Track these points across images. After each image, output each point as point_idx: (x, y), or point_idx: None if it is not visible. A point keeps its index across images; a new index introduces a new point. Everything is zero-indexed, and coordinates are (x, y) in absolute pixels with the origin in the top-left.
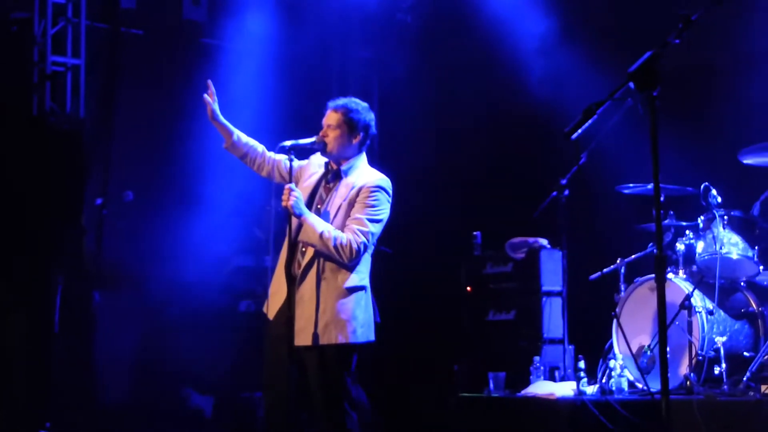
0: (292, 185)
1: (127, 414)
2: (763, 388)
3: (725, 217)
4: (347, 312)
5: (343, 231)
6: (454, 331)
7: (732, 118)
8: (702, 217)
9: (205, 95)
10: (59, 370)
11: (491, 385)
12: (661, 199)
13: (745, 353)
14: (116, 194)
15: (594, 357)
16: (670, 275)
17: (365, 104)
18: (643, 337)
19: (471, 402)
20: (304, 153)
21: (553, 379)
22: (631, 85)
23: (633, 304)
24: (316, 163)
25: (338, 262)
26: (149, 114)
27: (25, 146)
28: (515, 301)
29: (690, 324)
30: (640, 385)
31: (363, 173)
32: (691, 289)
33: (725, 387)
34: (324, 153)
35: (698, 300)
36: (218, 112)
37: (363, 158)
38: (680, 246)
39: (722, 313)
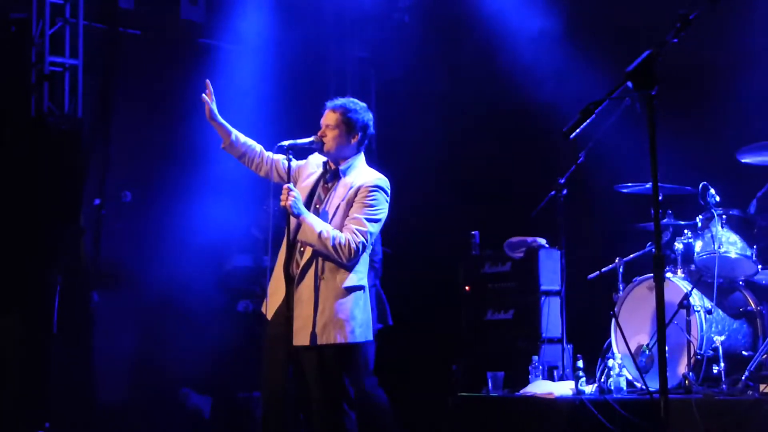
0: (291, 185)
1: (125, 414)
2: (761, 387)
3: (723, 216)
4: (346, 312)
5: (341, 231)
6: (452, 330)
7: (730, 117)
8: (700, 217)
9: (203, 95)
10: (58, 370)
11: (490, 385)
12: (660, 198)
13: (744, 352)
14: (114, 194)
15: (592, 356)
16: (668, 274)
17: (363, 104)
18: (642, 337)
19: (469, 401)
20: (302, 153)
21: (551, 378)
22: (629, 84)
23: (631, 303)
24: (315, 163)
25: (337, 262)
26: (147, 114)
27: (23, 147)
28: (514, 300)
29: (688, 323)
30: (638, 385)
31: (361, 173)
32: (689, 289)
33: (724, 386)
34: (322, 153)
35: (697, 299)
36: (216, 111)
37: (361, 158)
38: (679, 245)
39: (721, 312)
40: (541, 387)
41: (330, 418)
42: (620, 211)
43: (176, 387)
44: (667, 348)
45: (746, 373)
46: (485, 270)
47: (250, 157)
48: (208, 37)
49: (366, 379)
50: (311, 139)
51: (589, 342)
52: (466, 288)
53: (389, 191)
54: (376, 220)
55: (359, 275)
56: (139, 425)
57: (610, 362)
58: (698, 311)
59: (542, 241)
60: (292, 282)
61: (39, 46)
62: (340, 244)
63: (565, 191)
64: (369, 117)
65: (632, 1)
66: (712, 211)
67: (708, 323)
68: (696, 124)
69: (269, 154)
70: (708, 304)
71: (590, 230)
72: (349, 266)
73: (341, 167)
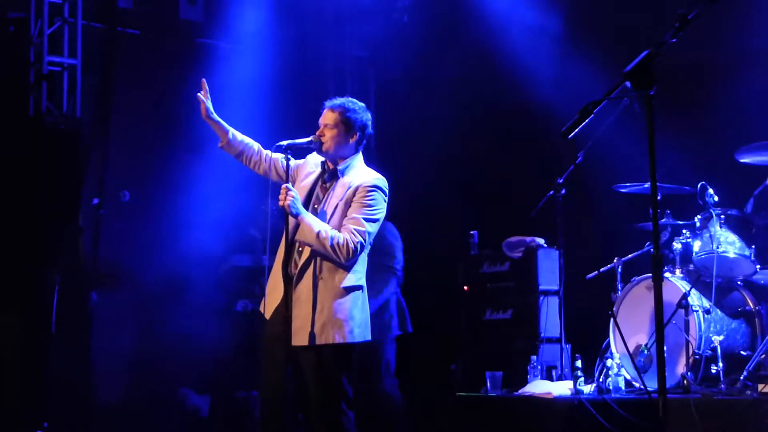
0: (289, 185)
1: (124, 413)
2: (760, 387)
3: (722, 216)
4: (344, 312)
5: (339, 230)
6: (451, 330)
7: (729, 117)
8: (699, 216)
9: (199, 94)
10: (56, 369)
11: (488, 385)
12: (658, 198)
13: (742, 352)
14: (113, 194)
15: (591, 356)
16: (667, 274)
17: (362, 104)
18: (641, 336)
19: (468, 401)
20: (300, 152)
21: (550, 378)
22: (628, 84)
23: (630, 303)
24: (313, 163)
25: (335, 262)
26: (146, 114)
27: (21, 146)
28: (512, 300)
29: (687, 323)
30: (637, 384)
31: (360, 173)
32: (688, 288)
33: (722, 386)
34: (320, 152)
35: (695, 299)
36: (212, 110)
37: (359, 158)
38: (677, 245)
39: (719, 312)
40: (539, 387)
41: (328, 417)
42: (619, 211)
43: (175, 386)
44: (665, 348)
45: (745, 372)
46: (484, 270)
47: (248, 155)
48: (207, 37)
49: (387, 380)
50: (310, 138)
51: (587, 342)
52: (465, 288)
53: (387, 191)
54: (375, 220)
55: (358, 275)
56: (137, 425)
57: (609, 362)
58: (697, 311)
59: (541, 240)
60: (290, 282)
61: (37, 46)
62: (338, 243)
63: (563, 191)
64: (367, 117)
65: (632, 0)
66: (711, 210)
67: (706, 323)
68: (695, 124)
69: (267, 152)
70: (706, 303)
71: (589, 230)
72: (348, 266)
73: (339, 167)
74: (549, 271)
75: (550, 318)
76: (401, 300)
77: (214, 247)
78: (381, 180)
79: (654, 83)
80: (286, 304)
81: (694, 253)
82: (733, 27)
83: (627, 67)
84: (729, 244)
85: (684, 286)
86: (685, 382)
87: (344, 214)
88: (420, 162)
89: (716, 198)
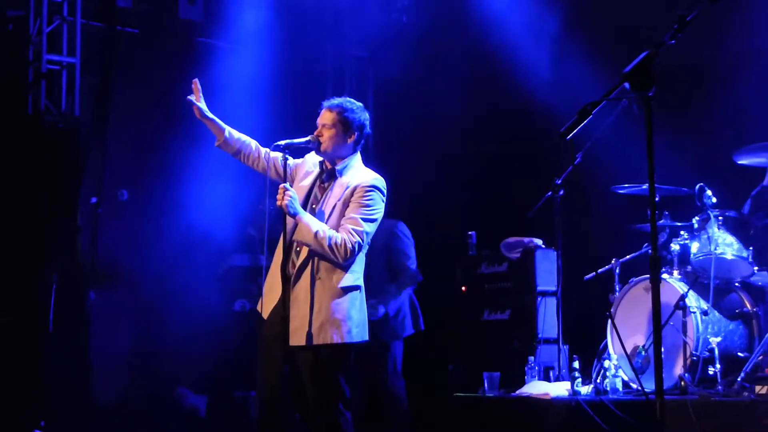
0: (287, 184)
1: (121, 413)
2: (757, 388)
3: (720, 218)
4: (342, 312)
5: (337, 230)
6: (449, 330)
7: (727, 118)
8: (697, 218)
9: (189, 97)
10: (54, 369)
11: (486, 385)
12: (656, 199)
13: (740, 354)
14: (111, 193)
15: (589, 357)
16: (664, 275)
17: (360, 104)
18: (638, 338)
19: (466, 402)
20: (298, 152)
21: (547, 379)
22: (627, 85)
23: (628, 304)
24: (311, 162)
25: (333, 262)
26: (144, 113)
27: (19, 145)
28: (510, 301)
29: (685, 324)
30: (634, 386)
31: (358, 173)
32: (685, 290)
33: (720, 387)
34: (319, 152)
35: (693, 300)
36: (206, 108)
37: (358, 158)
38: (675, 246)
39: (717, 313)
40: (537, 388)
41: (326, 417)
42: (617, 212)
43: (172, 386)
44: (663, 349)
45: (742, 374)
46: (482, 270)
47: (245, 153)
48: (206, 36)
49: (393, 380)
50: (308, 138)
51: (585, 343)
52: (463, 288)
53: (385, 191)
54: (373, 220)
55: (355, 275)
56: (135, 424)
57: (606, 363)
58: (694, 312)
59: (539, 241)
60: (288, 282)
61: (36, 44)
62: (336, 243)
63: (562, 192)
64: (365, 117)
65: (631, 1)
66: (709, 212)
67: (704, 324)
68: (693, 125)
69: (265, 150)
70: (704, 305)
71: (587, 231)
72: (346, 266)
73: (337, 167)
74: (547, 272)
75: (548, 319)
76: (413, 299)
77: (212, 246)
78: (379, 180)
79: (653, 84)
80: (283, 304)
81: (692, 255)
82: (732, 28)
83: (626, 68)
84: (727, 245)
85: (682, 287)
86: (682, 383)
87: (342, 214)
88: (418, 162)
89: (714, 199)
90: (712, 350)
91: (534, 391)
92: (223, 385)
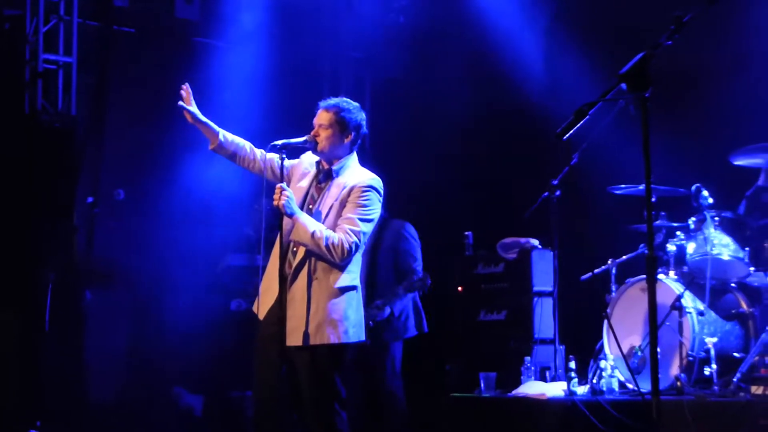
0: (284, 184)
1: (117, 412)
2: (753, 389)
3: (716, 218)
4: (339, 312)
5: (334, 231)
6: (445, 331)
7: (723, 119)
8: (693, 218)
9: (179, 103)
10: (50, 368)
11: (482, 386)
12: (653, 199)
13: (736, 354)
14: (108, 192)
15: (585, 357)
16: (661, 276)
17: (357, 104)
18: (634, 338)
19: (462, 402)
20: (295, 152)
21: (543, 379)
22: (623, 86)
23: (624, 304)
24: (308, 163)
25: (330, 262)
26: (141, 112)
27: (16, 144)
28: (506, 301)
29: (681, 325)
30: (630, 386)
31: (354, 173)
32: (682, 290)
33: (716, 388)
34: (315, 152)
35: (689, 301)
36: (198, 112)
37: (354, 158)
38: (671, 247)
39: (713, 313)
40: (533, 388)
41: (322, 417)
42: (613, 213)
43: (168, 385)
44: (659, 349)
45: (738, 374)
46: (478, 271)
47: (240, 155)
48: (203, 36)
49: (393, 380)
50: (304, 138)
51: (581, 343)
52: (459, 288)
53: (382, 191)
54: (369, 220)
55: (352, 275)
56: (131, 424)
57: (603, 363)
58: (690, 313)
59: (535, 242)
60: (285, 282)
61: (33, 44)
62: (333, 243)
63: (558, 192)
64: (362, 117)
65: (628, 1)
66: (705, 213)
67: (700, 325)
68: (690, 126)
69: (261, 151)
70: (700, 305)
71: (583, 231)
72: (342, 266)
73: (334, 167)
74: (543, 272)
75: (544, 319)
76: (417, 300)
77: (208, 246)
78: (376, 180)
79: (649, 85)
80: (280, 304)
81: (688, 255)
82: (729, 29)
83: (623, 69)
84: (723, 246)
85: (678, 287)
86: (678, 383)
87: (339, 215)
88: (415, 163)
89: (711, 200)
90: (708, 351)
91: (530, 392)
92: (220, 384)
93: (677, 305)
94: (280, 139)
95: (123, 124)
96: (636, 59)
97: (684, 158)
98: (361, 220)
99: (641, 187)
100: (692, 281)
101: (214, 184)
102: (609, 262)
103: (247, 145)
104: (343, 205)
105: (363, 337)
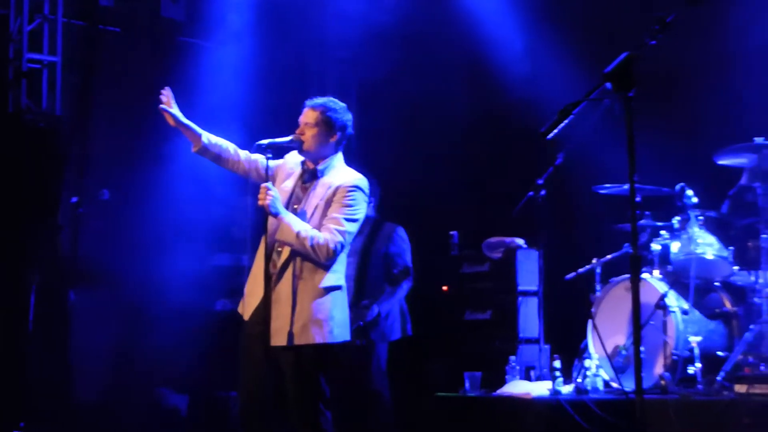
0: (269, 184)
1: (102, 413)
2: (737, 387)
3: (700, 218)
4: (324, 312)
5: (319, 230)
6: (430, 330)
7: (707, 119)
8: (677, 218)
9: (161, 106)
10: (33, 369)
11: (467, 385)
12: (637, 199)
13: (720, 353)
14: (92, 192)
15: (569, 357)
16: (645, 275)
17: (343, 104)
18: (619, 337)
19: (447, 402)
20: (280, 152)
21: (528, 378)
22: (608, 85)
23: (608, 304)
24: (293, 162)
25: (315, 262)
26: (126, 112)
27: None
28: (492, 300)
29: (665, 324)
30: (615, 385)
31: (340, 173)
32: (666, 289)
33: (700, 386)
34: (301, 152)
35: (673, 300)
36: (180, 115)
37: (339, 158)
38: (656, 246)
39: (697, 313)
40: (518, 387)
41: (307, 417)
42: (598, 212)
43: (153, 386)
44: (643, 348)
45: (722, 373)
46: (464, 270)
47: (224, 157)
48: (188, 35)
49: (379, 378)
50: (290, 137)
51: (566, 342)
52: (444, 288)
53: (367, 191)
54: (355, 220)
55: (337, 275)
56: (115, 424)
57: (587, 362)
58: (674, 312)
59: (520, 241)
60: (269, 281)
61: (17, 43)
62: (318, 243)
63: (543, 192)
64: (348, 117)
65: (612, 1)
66: (689, 212)
67: (684, 324)
68: (674, 125)
69: (245, 152)
70: (684, 304)
71: (568, 231)
72: (327, 266)
73: (319, 167)
74: (528, 272)
75: (529, 318)
76: (403, 304)
77: (193, 246)
78: (361, 180)
79: (633, 85)
80: (265, 304)
81: (672, 254)
82: (712, 29)
83: (607, 68)
84: (707, 245)
85: (662, 287)
86: (662, 382)
87: (324, 214)
88: (400, 163)
89: (695, 199)
90: (692, 349)
91: (515, 391)
92: (205, 385)
93: (661, 304)
94: (266, 138)
95: (108, 124)
96: (620, 59)
97: (668, 158)
98: (347, 219)
99: (626, 186)
100: (676, 280)
101: (198, 184)
102: (594, 261)
103: (231, 146)
104: (328, 204)
105: (348, 337)
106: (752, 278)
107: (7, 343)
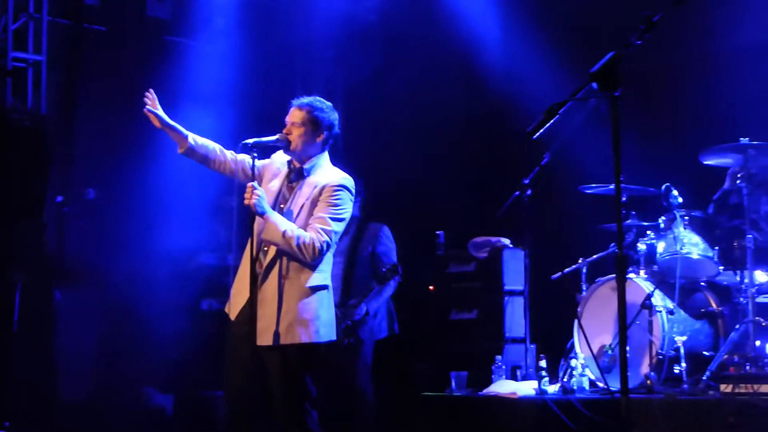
0: (255, 183)
1: (87, 413)
2: (722, 387)
3: (686, 218)
4: (310, 312)
5: (306, 230)
6: (416, 330)
7: (694, 119)
8: (663, 218)
9: (145, 108)
10: (18, 369)
11: (453, 385)
12: (623, 199)
13: (705, 352)
14: (77, 192)
15: (555, 356)
16: (631, 275)
17: (329, 104)
18: (605, 337)
19: (433, 401)
20: (266, 151)
21: (514, 378)
22: (594, 85)
23: (594, 303)
24: (279, 162)
25: (301, 261)
26: (111, 111)
27: None
28: (478, 300)
29: (650, 323)
30: (601, 384)
31: (326, 172)
32: (651, 289)
33: (685, 386)
34: (287, 151)
35: (659, 299)
36: (165, 116)
37: (326, 157)
38: (641, 246)
39: (683, 312)
40: (504, 387)
41: (292, 417)
42: (584, 212)
43: (139, 385)
44: (629, 348)
45: (707, 373)
46: (450, 270)
47: (210, 158)
48: (174, 35)
49: (363, 376)
50: (276, 137)
51: (552, 342)
52: (431, 287)
53: (354, 191)
54: (341, 219)
55: (323, 274)
56: (100, 424)
57: (573, 362)
58: (660, 311)
59: (506, 241)
60: (255, 281)
61: (2, 42)
62: (304, 243)
63: (529, 191)
64: (335, 117)
65: (598, 1)
66: (675, 212)
67: (670, 323)
68: (660, 125)
69: (231, 153)
70: (670, 304)
71: (554, 231)
72: (313, 265)
73: (305, 166)
74: (514, 272)
75: (515, 318)
76: (390, 303)
77: (179, 245)
78: (347, 179)
79: (619, 85)
80: (251, 303)
81: (658, 254)
82: (698, 30)
83: (593, 68)
84: (693, 245)
85: (648, 286)
86: (648, 382)
87: (310, 214)
88: (386, 163)
89: (681, 199)
90: (677, 349)
91: (501, 390)
92: (190, 384)
93: (647, 304)
94: (252, 138)
95: (93, 123)
96: (606, 59)
97: (654, 158)
98: (333, 219)
99: (612, 186)
100: (662, 280)
101: (184, 183)
102: (580, 261)
103: (216, 147)
104: (314, 204)
105: (334, 337)
106: (737, 278)
107: None
